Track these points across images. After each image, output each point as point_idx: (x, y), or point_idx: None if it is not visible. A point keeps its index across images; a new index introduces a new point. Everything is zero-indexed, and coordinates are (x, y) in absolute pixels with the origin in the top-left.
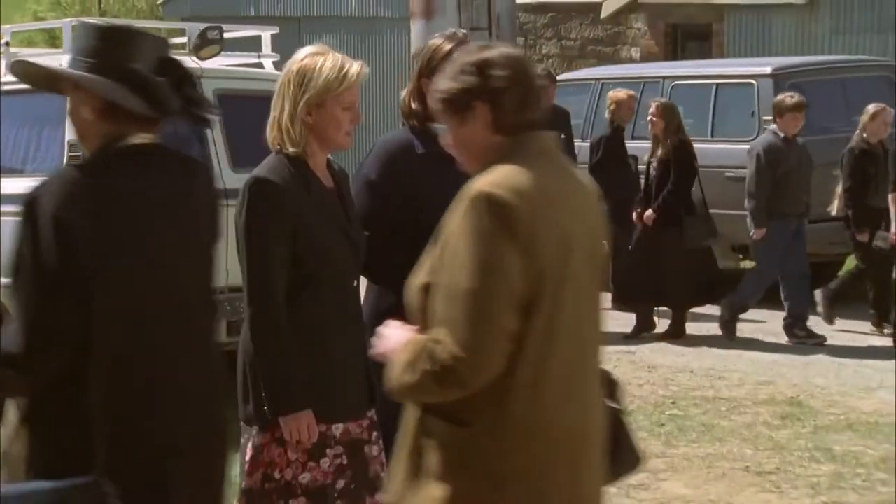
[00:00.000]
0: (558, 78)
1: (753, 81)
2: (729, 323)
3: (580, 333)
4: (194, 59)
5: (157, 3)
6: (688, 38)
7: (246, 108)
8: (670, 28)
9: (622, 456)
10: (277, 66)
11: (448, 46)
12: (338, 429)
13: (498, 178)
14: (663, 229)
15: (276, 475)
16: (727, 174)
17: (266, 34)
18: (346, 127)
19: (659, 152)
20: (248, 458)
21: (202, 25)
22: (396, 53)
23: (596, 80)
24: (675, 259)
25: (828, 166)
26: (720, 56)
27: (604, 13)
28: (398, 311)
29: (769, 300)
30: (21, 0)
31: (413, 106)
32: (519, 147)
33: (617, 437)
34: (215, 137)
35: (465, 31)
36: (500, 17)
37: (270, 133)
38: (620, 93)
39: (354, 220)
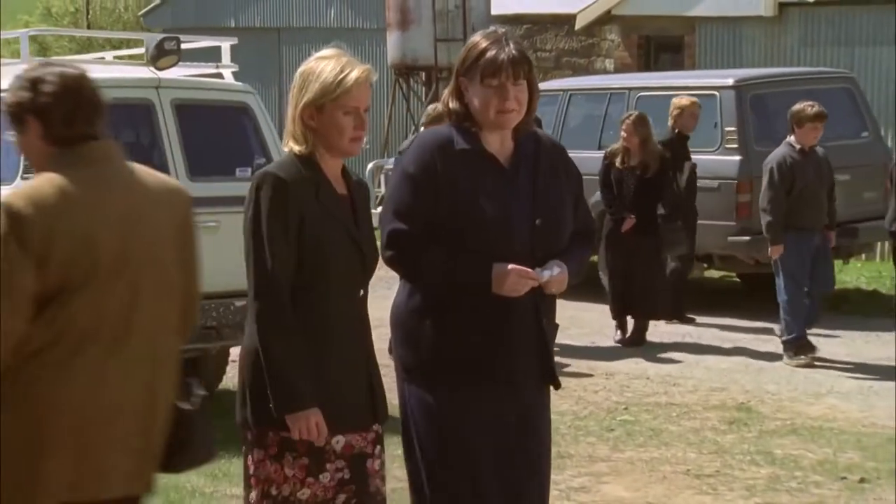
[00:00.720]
0: None
1: (716, 93)
2: (801, 350)
3: (109, 325)
4: (152, 69)
5: (139, 14)
6: (661, 50)
7: (203, 117)
8: (643, 40)
9: (187, 452)
10: (236, 76)
11: (484, 44)
12: (338, 442)
13: (23, 188)
14: (643, 238)
15: (274, 492)
16: None
17: (226, 45)
18: (349, 133)
19: (633, 162)
20: (249, 472)
21: (160, 36)
22: (375, 64)
23: (563, 91)
24: (657, 268)
25: None
26: (692, 67)
27: (578, 25)
28: (426, 311)
29: (733, 307)
30: (13, 11)
31: (451, 105)
32: (65, 158)
33: (181, 435)
34: (172, 146)
35: (504, 28)
36: (475, 28)
37: (286, 133)
38: (684, 99)
39: (366, 230)
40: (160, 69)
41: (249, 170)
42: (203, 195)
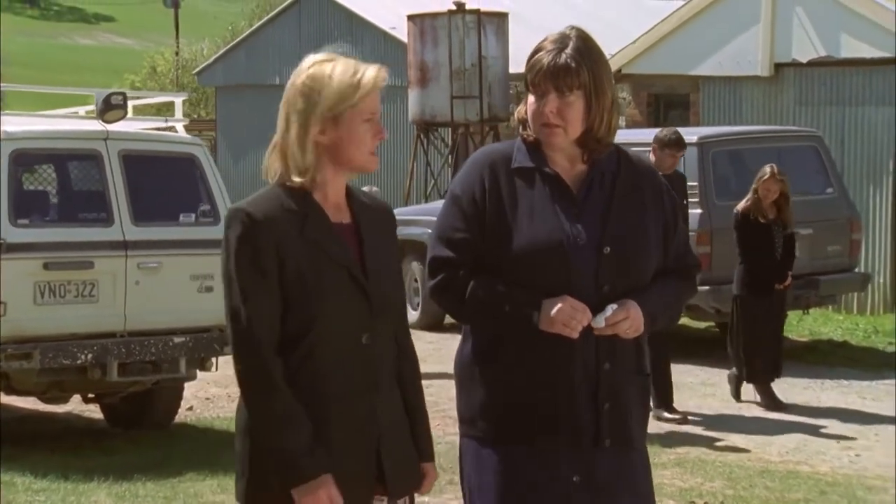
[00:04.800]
0: None
1: None
2: None
3: None
4: (101, 122)
5: (193, 72)
6: (669, 108)
7: (149, 166)
8: (653, 98)
9: None
10: (187, 129)
11: (543, 44)
12: None
13: None
14: (785, 295)
15: None
16: None
17: (178, 100)
18: (368, 144)
19: (771, 216)
20: None
21: (107, 91)
22: (401, 119)
23: None
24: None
25: None
26: (697, 124)
27: None
28: (478, 356)
29: (705, 355)
30: (121, 70)
31: (523, 113)
32: None
33: None
34: (118, 193)
35: (576, 28)
36: (491, 86)
37: (269, 161)
38: None
39: (378, 263)
40: (108, 122)
41: (193, 215)
42: (145, 238)
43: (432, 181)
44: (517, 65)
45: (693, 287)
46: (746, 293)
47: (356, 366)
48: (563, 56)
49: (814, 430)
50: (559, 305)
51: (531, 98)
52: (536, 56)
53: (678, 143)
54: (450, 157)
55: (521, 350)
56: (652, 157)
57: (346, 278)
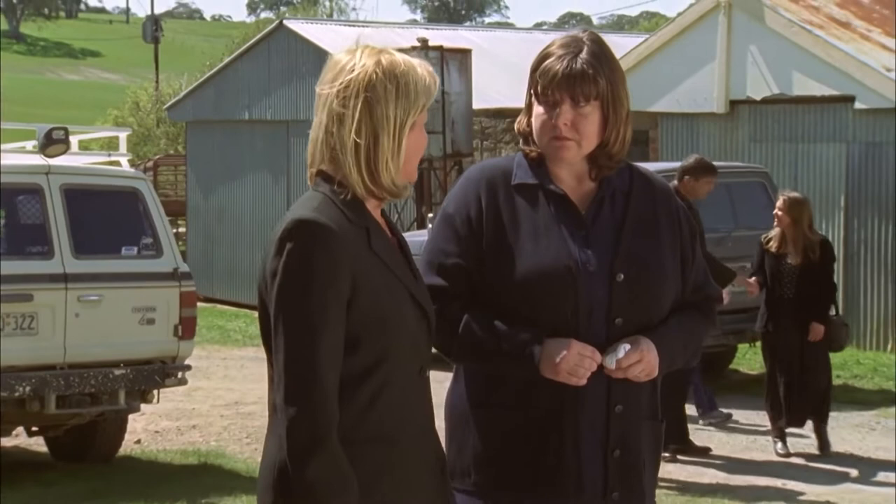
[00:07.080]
0: None
1: None
2: None
3: None
4: (42, 156)
5: (164, 107)
6: (631, 143)
7: (92, 200)
8: None
9: None
10: (131, 163)
11: (552, 49)
12: None
13: None
14: (807, 335)
15: None
16: None
17: (122, 135)
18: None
19: (788, 249)
20: None
21: (49, 126)
22: None
23: None
24: (826, 367)
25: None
26: (656, 160)
27: None
28: (472, 399)
29: None
30: (104, 106)
31: (518, 122)
32: None
33: None
34: (59, 226)
35: (588, 30)
36: (455, 121)
37: (316, 167)
38: None
39: (421, 280)
40: (50, 157)
41: (135, 248)
42: (86, 271)
43: (396, 215)
44: (481, 100)
45: (713, 322)
46: (761, 327)
47: (419, 403)
48: (579, 62)
49: (754, 464)
50: (564, 352)
51: (539, 109)
52: (546, 62)
53: (714, 170)
54: (413, 191)
55: (521, 392)
56: (680, 188)
57: (411, 302)
